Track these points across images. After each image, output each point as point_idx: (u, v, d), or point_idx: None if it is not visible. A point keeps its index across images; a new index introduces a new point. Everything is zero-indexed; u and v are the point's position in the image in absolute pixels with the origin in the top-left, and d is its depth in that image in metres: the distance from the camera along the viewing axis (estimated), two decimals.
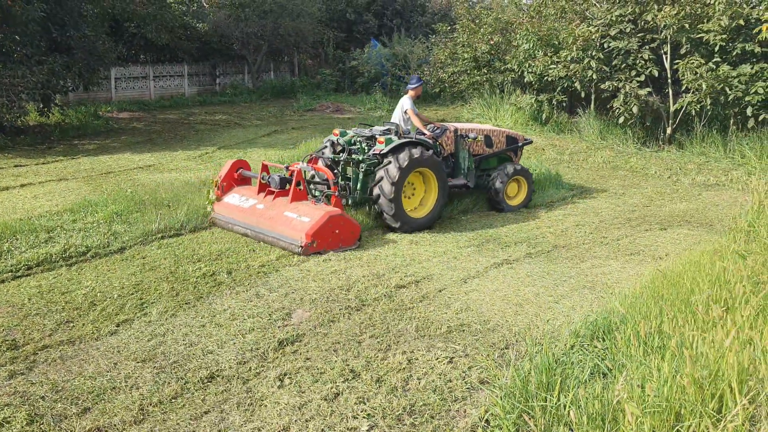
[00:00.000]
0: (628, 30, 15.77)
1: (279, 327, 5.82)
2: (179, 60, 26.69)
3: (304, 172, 8.81)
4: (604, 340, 5.03)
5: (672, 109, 15.56)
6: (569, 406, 3.95)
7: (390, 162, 8.69)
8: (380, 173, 8.74)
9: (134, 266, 7.37)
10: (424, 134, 9.73)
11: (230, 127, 19.68)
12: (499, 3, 26.72)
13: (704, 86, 13.87)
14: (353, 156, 9.13)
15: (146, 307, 6.24)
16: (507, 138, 10.94)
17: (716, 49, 14.02)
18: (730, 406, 3.59)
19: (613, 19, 15.93)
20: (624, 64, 15.99)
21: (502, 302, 6.45)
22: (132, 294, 6.55)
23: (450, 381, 4.84)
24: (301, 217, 8.03)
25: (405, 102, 10.08)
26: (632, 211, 10.37)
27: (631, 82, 15.49)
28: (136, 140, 17.09)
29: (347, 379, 4.87)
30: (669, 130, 15.77)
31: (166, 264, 7.45)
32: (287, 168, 8.97)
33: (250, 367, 5.07)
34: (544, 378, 4.31)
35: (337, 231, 7.97)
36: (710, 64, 13.93)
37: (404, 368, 5.05)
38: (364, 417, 4.37)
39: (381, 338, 5.60)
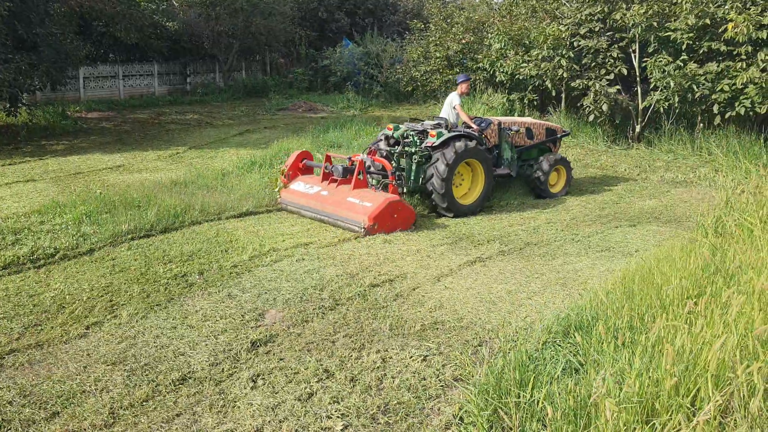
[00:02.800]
0: (597, 29, 15.94)
1: (252, 328, 5.78)
2: (149, 59, 26.38)
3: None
4: (576, 336, 5.07)
5: (641, 107, 15.75)
6: (543, 402, 3.97)
7: (446, 149, 9.52)
8: (435, 156, 9.57)
9: (104, 268, 7.27)
10: (471, 127, 10.44)
11: (201, 127, 19.51)
12: (470, 2, 26.83)
13: (672, 84, 14.06)
14: (406, 148, 9.85)
15: (116, 309, 6.15)
16: (546, 130, 11.76)
17: (683, 47, 14.22)
18: (704, 399, 3.63)
19: (583, 18, 16.08)
20: (594, 63, 16.16)
21: (475, 300, 6.48)
22: (102, 296, 6.45)
23: (424, 379, 4.85)
24: (364, 203, 8.88)
25: (454, 98, 10.80)
26: (602, 208, 10.48)
27: (600, 80, 15.65)
28: (105, 140, 16.86)
29: (321, 379, 4.85)
30: (638, 128, 15.97)
31: (137, 265, 7.35)
32: (349, 159, 9.74)
33: (223, 369, 5.02)
34: (518, 374, 4.33)
35: (395, 215, 8.82)
36: (678, 62, 14.12)
37: (378, 367, 5.04)
38: (338, 417, 4.35)
39: (355, 337, 5.58)
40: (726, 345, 3.71)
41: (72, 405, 4.49)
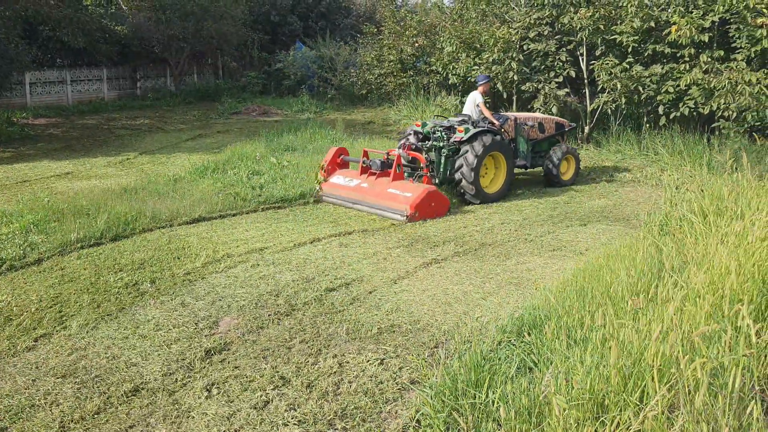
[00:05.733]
0: (546, 32, 16.22)
1: (206, 336, 5.72)
2: (98, 64, 25.83)
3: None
4: (529, 335, 5.16)
5: (589, 108, 16.09)
6: (497, 402, 4.03)
7: (475, 142, 10.45)
8: (465, 148, 10.51)
9: (52, 278, 7.10)
10: (493, 123, 11.35)
11: (152, 132, 19.20)
12: (422, 6, 27.01)
13: (619, 86, 14.41)
14: (434, 143, 10.79)
15: (66, 320, 6.02)
16: (556, 124, 12.78)
17: (629, 50, 14.59)
18: (651, 395, 3.72)
19: (532, 22, 16.35)
20: (543, 66, 16.45)
21: (431, 301, 6.52)
22: (50, 307, 6.30)
23: (381, 383, 4.87)
24: (404, 193, 9.83)
25: (477, 97, 11.86)
26: (554, 209, 10.67)
27: (550, 83, 15.96)
28: (53, 147, 16.46)
29: (277, 386, 4.83)
30: (587, 129, 16.31)
31: (86, 275, 7.20)
32: (387, 153, 10.76)
33: (176, 378, 4.96)
34: (473, 375, 4.38)
35: (433, 204, 9.82)
36: (624, 64, 14.48)
37: (335, 372, 5.04)
38: (294, 424, 4.34)
39: (311, 343, 5.57)
40: (668, 340, 3.81)
41: (21, 419, 4.38)
